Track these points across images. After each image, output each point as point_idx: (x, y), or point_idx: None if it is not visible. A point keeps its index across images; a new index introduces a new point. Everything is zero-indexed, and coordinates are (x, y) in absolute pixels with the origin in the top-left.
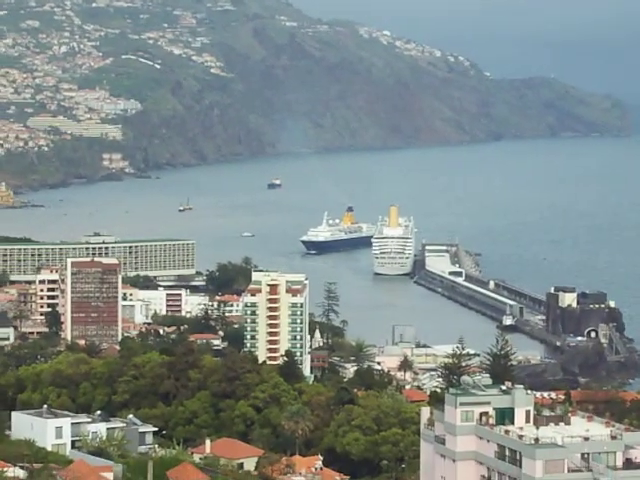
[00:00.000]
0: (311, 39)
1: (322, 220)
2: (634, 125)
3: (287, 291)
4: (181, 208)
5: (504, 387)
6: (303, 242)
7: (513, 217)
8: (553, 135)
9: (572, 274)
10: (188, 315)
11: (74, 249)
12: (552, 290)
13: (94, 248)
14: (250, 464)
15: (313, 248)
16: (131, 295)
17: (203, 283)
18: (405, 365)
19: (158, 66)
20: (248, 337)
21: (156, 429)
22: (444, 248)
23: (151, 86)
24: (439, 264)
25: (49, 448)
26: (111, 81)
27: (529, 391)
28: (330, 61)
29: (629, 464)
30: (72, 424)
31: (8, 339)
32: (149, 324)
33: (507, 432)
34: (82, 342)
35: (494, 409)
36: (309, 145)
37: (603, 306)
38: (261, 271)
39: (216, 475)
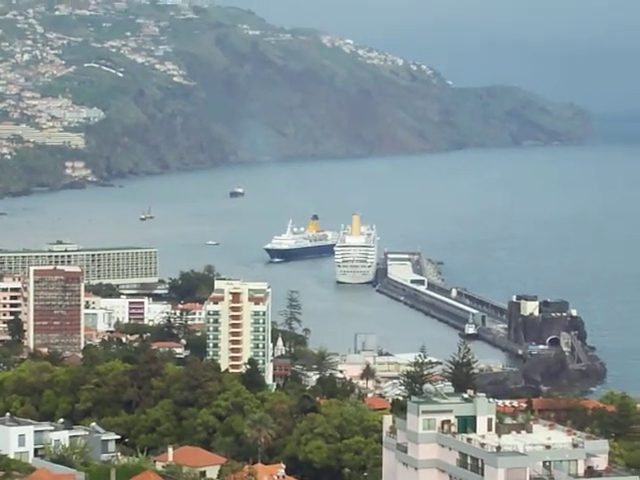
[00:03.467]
0: (274, 48)
1: (286, 228)
2: (595, 134)
3: (249, 299)
4: (142, 217)
5: (466, 395)
6: (267, 250)
7: (475, 226)
8: (515, 144)
9: (534, 282)
10: (151, 323)
11: (37, 257)
12: (514, 298)
13: (57, 256)
14: (212, 472)
15: (277, 256)
16: (94, 303)
17: (166, 291)
18: (367, 373)
19: (121, 74)
20: (210, 345)
21: (119, 437)
22: (406, 256)
23: (114, 94)
24: (401, 272)
25: (12, 456)
26: (74, 89)
27: (491, 399)
28: (293, 70)
29: (591, 472)
30: (35, 432)
31: None
32: (112, 332)
33: (469, 440)
34: (45, 350)
35: (456, 417)
36: (272, 153)
37: (565, 314)
38: (224, 279)
39: None
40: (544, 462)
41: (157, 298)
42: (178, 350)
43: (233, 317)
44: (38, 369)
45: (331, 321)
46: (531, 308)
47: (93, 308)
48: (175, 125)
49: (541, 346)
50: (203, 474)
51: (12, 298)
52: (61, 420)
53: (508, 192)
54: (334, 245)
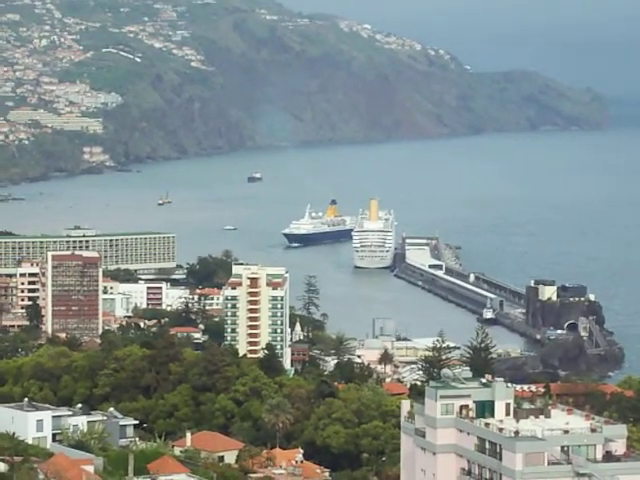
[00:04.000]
0: (291, 33)
1: (304, 213)
2: (613, 119)
3: (267, 284)
4: (160, 202)
5: (484, 380)
6: (285, 235)
7: (493, 211)
8: (533, 129)
9: (552, 267)
10: (169, 308)
11: (55, 242)
12: (532, 283)
13: (75, 241)
14: (231, 457)
15: (295, 241)
16: (112, 288)
17: (184, 276)
18: (385, 358)
19: (139, 59)
20: (228, 330)
21: (137, 422)
22: (424, 241)
23: (132, 79)
24: (419, 257)
25: (30, 441)
26: (92, 74)
27: (509, 384)
28: (310, 55)
29: (609, 457)
30: (53, 417)
31: None
32: (130, 317)
33: (487, 425)
34: (63, 335)
35: (474, 402)
36: (289, 139)
37: (583, 299)
38: (241, 264)
39: (197, 468)
40: (562, 447)
41: (175, 283)
42: (196, 335)
43: (251, 302)
44: (56, 354)
45: (349, 306)
46: (549, 293)
47: (111, 293)
48: (193, 110)
49: (559, 331)
50: (221, 459)
51: (30, 283)
52: (79, 405)
53: (525, 177)
54: (352, 230)
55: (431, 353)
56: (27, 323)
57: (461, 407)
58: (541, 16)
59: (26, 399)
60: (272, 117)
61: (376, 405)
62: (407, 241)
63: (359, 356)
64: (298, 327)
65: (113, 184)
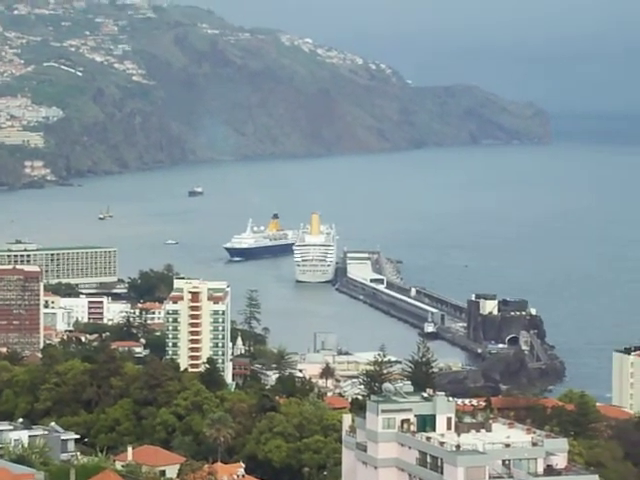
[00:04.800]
0: (233, 47)
1: (246, 227)
2: (555, 133)
3: (209, 298)
4: (101, 216)
5: (425, 394)
6: (227, 249)
7: (434, 225)
8: (474, 142)
9: (493, 281)
10: (110, 322)
11: None
12: (473, 297)
13: (16, 255)
14: (172, 472)
15: (237, 255)
16: (53, 303)
17: (125, 291)
18: (327, 372)
19: (80, 73)
20: (170, 344)
21: (78, 437)
22: (365, 256)
23: (73, 94)
24: (361, 271)
25: None
26: (33, 88)
27: (450, 398)
28: (252, 69)
29: (550, 471)
30: None
31: None
32: (71, 331)
33: (428, 439)
34: (4, 349)
35: (415, 416)
36: (231, 152)
37: (524, 313)
38: (183, 278)
39: None
40: (503, 461)
41: (116, 297)
42: (137, 349)
43: (192, 316)
44: None
45: (290, 320)
46: (490, 307)
47: (52, 307)
48: (134, 124)
49: (500, 345)
50: (163, 473)
51: None
52: (20, 420)
53: (466, 191)
54: (294, 244)
55: (372, 367)
56: None
57: (402, 421)
58: (482, 32)
59: None
60: (213, 131)
61: (318, 419)
62: (348, 255)
63: (300, 370)
64: (239, 341)
65: (54, 198)
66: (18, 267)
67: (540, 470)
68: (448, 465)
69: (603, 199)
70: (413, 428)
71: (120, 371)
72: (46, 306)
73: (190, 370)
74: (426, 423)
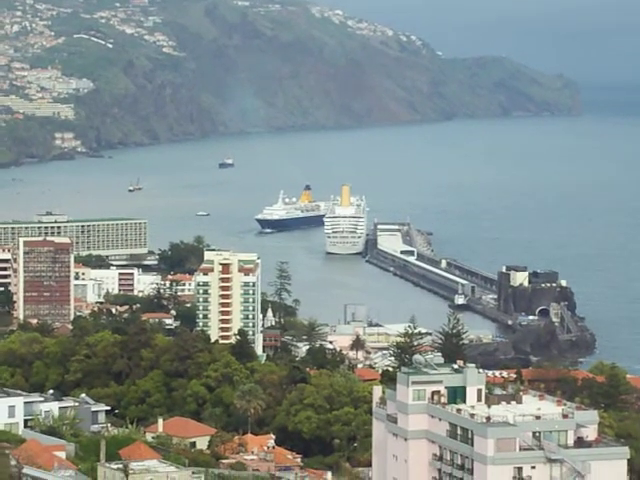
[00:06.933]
0: (263, 18)
1: (277, 199)
2: (585, 104)
3: (239, 270)
4: (131, 188)
5: (456, 366)
6: (258, 220)
7: (465, 196)
8: (504, 114)
9: (523, 253)
10: (140, 294)
11: (26, 228)
12: (504, 269)
13: (46, 227)
14: (202, 443)
15: (268, 226)
16: (83, 274)
17: (155, 262)
18: (357, 344)
19: (110, 45)
20: (200, 316)
21: (109, 408)
22: (396, 227)
23: (103, 65)
24: (391, 243)
25: (1, 427)
26: (63, 60)
27: (481, 370)
28: (282, 40)
29: (580, 442)
30: (25, 403)
31: None
32: (101, 303)
33: (459, 411)
34: (34, 321)
35: (446, 388)
36: (261, 124)
37: (554, 285)
38: (213, 250)
39: (169, 454)
40: (534, 432)
41: (147, 269)
42: (168, 321)
43: (223, 288)
44: (28, 340)
45: (321, 292)
46: (521, 279)
47: (83, 279)
48: (164, 96)
49: (531, 317)
50: (193, 445)
51: (2, 269)
52: (51, 391)
53: (497, 163)
54: (325, 216)
55: (403, 339)
56: None
57: (433, 393)
58: (512, 3)
59: None
60: (244, 103)
61: (348, 391)
62: (379, 227)
63: (331, 342)
64: (270, 313)
65: (85, 170)
66: (49, 239)
67: (570, 442)
68: (478, 437)
69: (633, 171)
70: (443, 400)
71: (150, 343)
72: (76, 278)
73: (220, 342)
74: (456, 395)
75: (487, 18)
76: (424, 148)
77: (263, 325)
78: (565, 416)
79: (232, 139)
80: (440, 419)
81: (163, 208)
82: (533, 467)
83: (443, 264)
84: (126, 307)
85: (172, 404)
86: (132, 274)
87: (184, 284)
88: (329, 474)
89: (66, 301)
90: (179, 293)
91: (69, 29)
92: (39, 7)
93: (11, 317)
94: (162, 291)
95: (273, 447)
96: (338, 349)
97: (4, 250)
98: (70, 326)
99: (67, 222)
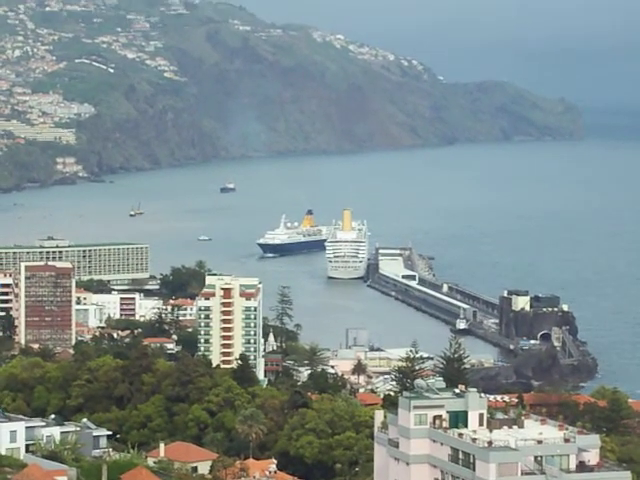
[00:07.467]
0: (264, 43)
1: (279, 223)
2: (586, 128)
3: (241, 295)
4: (132, 213)
5: (457, 390)
6: (260, 245)
7: (466, 221)
8: (506, 139)
9: (525, 277)
10: (142, 319)
11: (28, 253)
12: (505, 293)
13: (48, 252)
14: (204, 468)
15: (270, 251)
16: (85, 299)
17: (157, 287)
18: (359, 369)
19: (112, 70)
20: (202, 341)
21: (110, 433)
22: (397, 252)
23: (105, 90)
24: (392, 268)
25: (3, 452)
26: (65, 85)
27: (482, 394)
28: (284, 65)
29: (582, 467)
30: (26, 428)
31: None
32: (103, 328)
33: (460, 435)
34: (36, 346)
35: (448, 412)
36: (263, 149)
37: (556, 309)
38: (215, 275)
39: (170, 479)
40: (536, 457)
41: (148, 294)
42: (169, 346)
43: (224, 312)
44: (29, 365)
45: (322, 317)
46: (522, 303)
47: (84, 304)
48: (166, 121)
49: (532, 341)
50: (195, 470)
51: (3, 294)
52: (52, 416)
53: (499, 187)
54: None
55: (404, 363)
56: (0, 334)
57: (434, 417)
58: (513, 27)
59: None
60: (245, 127)
61: (349, 416)
62: (380, 251)
63: (332, 366)
64: (271, 337)
65: (86, 195)
66: (50, 264)
67: (572, 466)
68: (480, 461)
69: (635, 195)
70: (445, 424)
71: (152, 367)
72: (78, 302)
73: (222, 366)
74: (458, 419)
75: (488, 43)
76: (426, 173)
77: (265, 350)
78: (567, 440)
79: (234, 164)
80: (442, 443)
81: (164, 233)
82: None
83: (445, 289)
84: (127, 332)
85: (173, 429)
86: (134, 299)
87: (185, 309)
88: None
89: (68, 326)
90: (180, 318)
91: (70, 54)
92: (40, 32)
93: (13, 342)
94: (164, 316)
95: (275, 472)
96: (340, 374)
97: (6, 275)
98: (72, 351)
99: (69, 247)
